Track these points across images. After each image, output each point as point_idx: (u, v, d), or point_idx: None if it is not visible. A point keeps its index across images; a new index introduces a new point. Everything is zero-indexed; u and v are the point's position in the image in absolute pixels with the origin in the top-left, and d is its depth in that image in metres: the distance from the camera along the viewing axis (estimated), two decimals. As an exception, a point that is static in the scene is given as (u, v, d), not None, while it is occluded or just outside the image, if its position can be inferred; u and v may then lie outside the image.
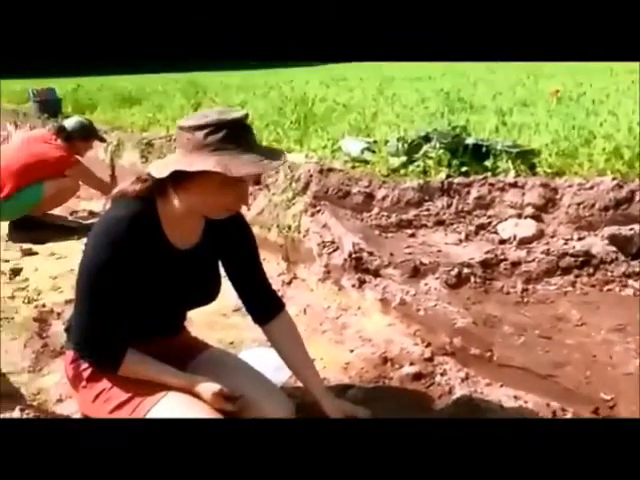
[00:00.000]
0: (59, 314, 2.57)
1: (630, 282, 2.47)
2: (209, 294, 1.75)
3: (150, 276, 1.56)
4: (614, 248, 2.61)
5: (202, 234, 1.65)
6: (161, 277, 1.58)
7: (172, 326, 1.80)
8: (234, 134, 1.42)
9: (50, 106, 6.00)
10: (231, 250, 1.74)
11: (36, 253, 3.47)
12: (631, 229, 2.71)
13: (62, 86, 7.15)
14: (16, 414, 1.88)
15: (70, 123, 4.04)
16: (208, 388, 1.55)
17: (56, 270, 3.12)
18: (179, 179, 1.47)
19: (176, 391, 1.57)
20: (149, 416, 1.54)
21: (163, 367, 1.58)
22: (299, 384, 2.04)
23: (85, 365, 1.63)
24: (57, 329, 2.41)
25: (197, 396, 1.56)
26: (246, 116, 1.47)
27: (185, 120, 1.48)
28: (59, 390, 2.03)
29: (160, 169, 1.48)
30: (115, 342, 1.55)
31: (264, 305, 1.81)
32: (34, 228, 3.81)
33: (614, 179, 2.91)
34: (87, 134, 4.06)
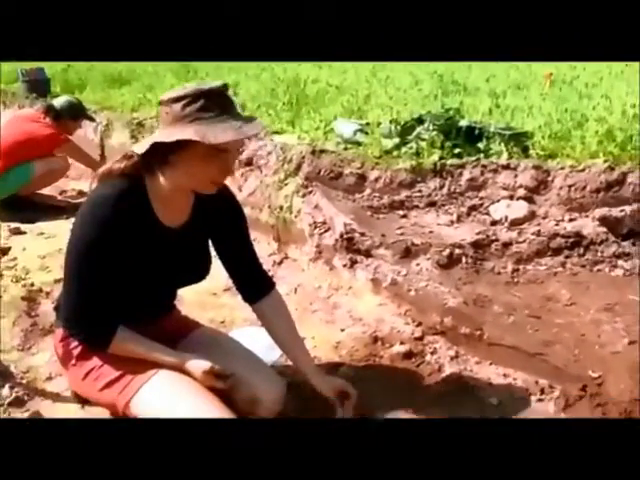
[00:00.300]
0: (48, 293, 2.55)
1: (620, 263, 2.48)
2: (199, 273, 1.74)
3: (139, 254, 1.55)
4: (605, 229, 2.61)
5: (192, 212, 1.64)
6: (151, 255, 1.58)
7: (163, 305, 1.79)
8: (212, 103, 1.41)
9: (39, 86, 5.92)
10: (222, 229, 1.73)
11: (24, 232, 3.44)
12: (622, 210, 2.72)
13: (51, 66, 7.06)
14: (5, 392, 1.88)
15: (59, 102, 3.99)
16: (198, 365, 1.55)
17: (44, 249, 3.09)
18: (164, 155, 1.47)
19: (166, 369, 1.56)
20: (139, 394, 1.54)
21: (153, 344, 1.58)
22: (290, 363, 2.04)
23: (75, 343, 1.62)
24: (46, 308, 2.40)
25: (187, 374, 1.56)
26: (224, 86, 1.46)
27: (165, 94, 1.47)
28: (49, 368, 2.02)
29: (142, 145, 1.47)
30: (104, 319, 1.55)
31: (254, 284, 1.81)
32: (23, 208, 3.78)
33: (606, 161, 2.91)
34: (76, 113, 4.02)
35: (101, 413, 1.72)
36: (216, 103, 1.42)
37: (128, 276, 1.55)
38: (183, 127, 1.40)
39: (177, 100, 1.41)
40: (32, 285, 2.62)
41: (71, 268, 1.53)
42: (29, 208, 3.80)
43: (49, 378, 1.99)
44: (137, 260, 1.56)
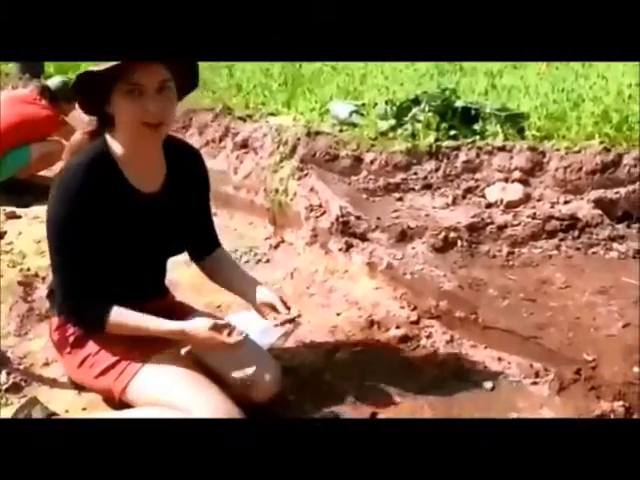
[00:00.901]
0: (44, 278, 2.55)
1: (614, 245, 2.49)
2: (182, 241, 1.74)
3: (118, 222, 1.54)
4: (600, 212, 2.62)
5: (166, 178, 1.64)
6: (130, 223, 1.57)
7: (153, 283, 1.77)
8: None
9: (32, 66, 5.85)
10: (193, 192, 1.74)
11: (20, 217, 3.42)
12: (617, 192, 2.72)
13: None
14: (3, 378, 1.89)
15: (54, 83, 3.94)
16: (200, 324, 1.53)
17: (40, 234, 3.06)
18: (103, 110, 1.51)
19: (159, 356, 1.56)
20: (135, 380, 1.55)
21: (150, 318, 1.56)
22: (286, 347, 2.06)
23: (70, 331, 1.62)
24: (42, 293, 2.39)
25: (192, 341, 1.54)
26: None
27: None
28: (45, 354, 2.02)
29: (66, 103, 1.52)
30: (95, 296, 1.53)
31: (206, 242, 1.84)
32: (21, 191, 3.75)
33: (602, 143, 2.91)
34: (71, 95, 3.97)
35: (97, 399, 1.73)
36: None
37: (111, 247, 1.55)
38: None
39: None
40: (28, 270, 2.62)
41: (53, 246, 1.54)
42: (27, 192, 3.77)
43: (46, 364, 2.00)
44: (117, 229, 1.55)
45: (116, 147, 1.55)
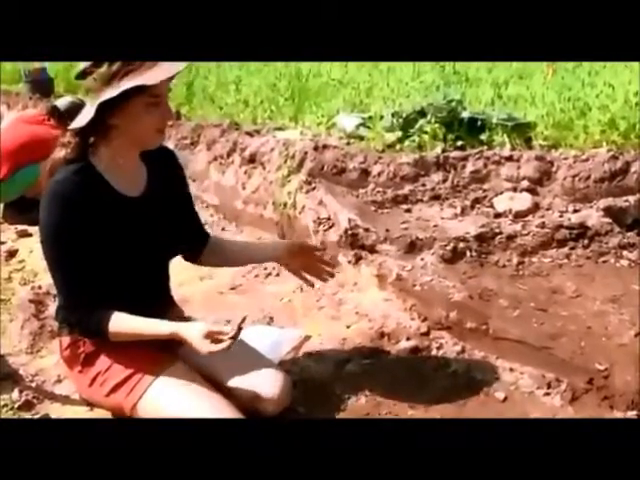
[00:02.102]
0: (55, 296, 2.56)
1: (625, 253, 2.47)
2: (174, 242, 1.75)
3: (111, 228, 1.56)
4: (609, 220, 2.60)
5: (148, 180, 1.66)
6: (122, 228, 1.59)
7: (155, 290, 1.77)
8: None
9: (42, 86, 5.94)
10: (174, 191, 1.77)
11: (31, 235, 3.46)
12: (626, 200, 2.71)
13: (54, 65, 7.06)
14: (15, 395, 1.90)
15: (62, 103, 3.98)
16: (194, 328, 1.52)
17: (52, 251, 3.11)
18: (103, 121, 1.51)
19: (169, 372, 1.57)
20: (146, 396, 1.55)
21: (147, 320, 1.57)
22: (296, 359, 2.06)
23: (80, 349, 1.63)
24: (54, 310, 2.41)
25: (186, 344, 1.54)
26: None
27: (78, 68, 1.51)
28: (57, 371, 2.04)
29: (83, 117, 1.51)
30: (95, 303, 1.54)
31: (199, 236, 1.88)
32: (29, 209, 3.79)
33: (609, 150, 2.90)
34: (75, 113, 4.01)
35: (109, 416, 1.74)
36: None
37: (106, 254, 1.56)
38: (118, 84, 1.44)
39: (97, 65, 1.47)
40: (40, 288, 2.64)
41: (50, 259, 1.55)
42: (36, 209, 3.80)
43: (58, 381, 2.01)
44: (110, 235, 1.57)
45: (101, 159, 1.58)
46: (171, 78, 1.54)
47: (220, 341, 1.49)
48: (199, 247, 1.88)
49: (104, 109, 1.48)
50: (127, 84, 1.43)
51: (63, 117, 3.89)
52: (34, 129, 3.84)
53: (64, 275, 1.55)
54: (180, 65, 1.50)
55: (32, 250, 3.18)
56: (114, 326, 1.55)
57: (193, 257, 1.89)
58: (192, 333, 1.51)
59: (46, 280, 2.73)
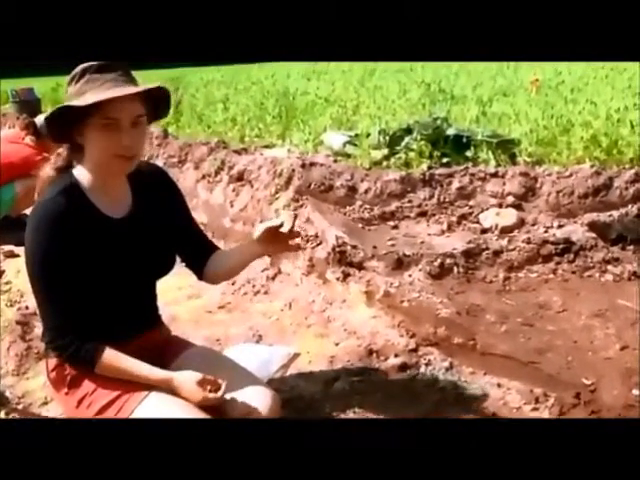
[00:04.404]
0: (43, 316, 2.55)
1: (609, 268, 2.50)
2: (161, 263, 1.74)
3: (97, 251, 1.55)
4: (594, 235, 2.64)
5: (134, 201, 1.66)
6: (108, 250, 1.57)
7: (144, 312, 1.76)
8: (98, 75, 1.47)
9: (29, 106, 5.92)
10: (168, 210, 1.74)
11: (18, 255, 3.43)
12: (610, 215, 2.75)
13: (42, 85, 7.07)
14: (1, 417, 1.88)
15: (41, 121, 3.99)
16: (188, 378, 1.52)
17: (39, 272, 3.09)
18: (72, 139, 1.52)
19: (158, 391, 1.56)
20: (136, 414, 1.54)
21: (140, 364, 1.55)
22: (285, 378, 2.06)
23: (67, 371, 1.62)
24: (40, 332, 2.39)
25: (177, 392, 1.55)
26: (111, 63, 1.50)
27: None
28: (44, 393, 2.02)
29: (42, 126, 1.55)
30: (85, 333, 1.53)
31: (204, 248, 1.82)
32: (14, 229, 3.77)
33: (592, 166, 2.95)
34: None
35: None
36: (103, 74, 1.47)
37: (93, 277, 1.55)
38: (76, 100, 1.46)
39: (70, 81, 1.49)
40: (27, 308, 2.62)
41: (36, 282, 1.53)
42: (22, 229, 3.79)
43: (45, 403, 1.99)
44: (96, 258, 1.55)
45: (84, 177, 1.57)
46: (160, 111, 1.54)
47: (214, 391, 1.51)
48: (202, 259, 1.86)
49: (67, 127, 1.50)
50: (74, 102, 1.44)
51: (39, 134, 3.90)
52: (9, 148, 3.84)
53: (51, 301, 1.52)
54: (128, 90, 1.45)
55: (19, 270, 3.16)
56: (106, 360, 1.53)
57: (197, 270, 1.87)
58: (185, 382, 1.51)
59: (33, 301, 2.72)
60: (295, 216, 1.67)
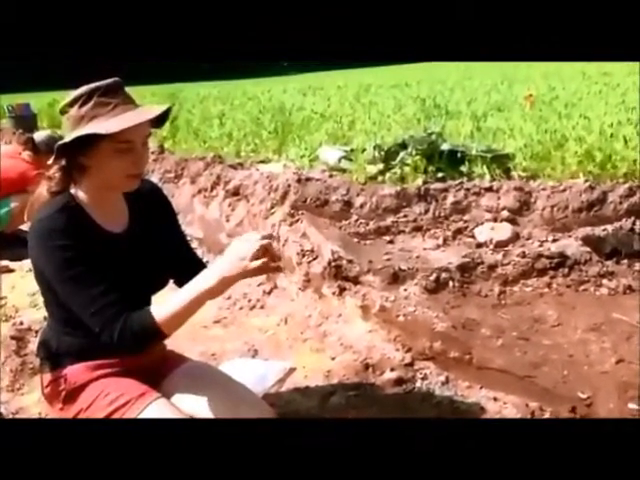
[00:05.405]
0: (37, 332, 2.54)
1: (604, 282, 2.51)
2: (158, 277, 1.73)
3: (98, 265, 1.54)
4: (588, 249, 2.65)
5: (130, 215, 1.66)
6: (108, 264, 1.56)
7: None
8: (106, 98, 1.46)
9: (25, 121, 5.96)
10: (161, 225, 1.73)
11: (13, 270, 3.43)
12: (604, 229, 2.76)
13: (38, 101, 7.10)
14: (-5, 434, 1.86)
15: (39, 136, 4.01)
16: (251, 237, 1.45)
17: (33, 287, 3.07)
18: (76, 160, 1.51)
19: (155, 402, 1.55)
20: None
21: (184, 288, 1.47)
22: (281, 393, 2.05)
23: (62, 386, 1.61)
24: (35, 347, 2.38)
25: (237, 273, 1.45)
26: (116, 81, 1.50)
27: (62, 102, 1.51)
28: (38, 408, 2.01)
29: (52, 156, 1.52)
30: (130, 308, 1.45)
31: (192, 265, 1.76)
32: (9, 245, 3.77)
33: (586, 181, 2.97)
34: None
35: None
36: (111, 97, 1.47)
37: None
38: (82, 127, 1.45)
39: (73, 103, 1.47)
40: (21, 324, 2.61)
41: (65, 285, 1.48)
42: (19, 244, 3.79)
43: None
44: (97, 272, 1.54)
45: (82, 194, 1.58)
46: (157, 123, 1.54)
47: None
48: (190, 276, 1.82)
49: (75, 149, 1.48)
50: (87, 130, 1.44)
51: (37, 150, 3.92)
52: (5, 164, 3.85)
53: (87, 287, 1.48)
54: (148, 114, 1.47)
55: (14, 286, 3.16)
56: (160, 316, 1.43)
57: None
58: (250, 245, 1.43)
59: (28, 316, 2.71)
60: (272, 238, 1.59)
